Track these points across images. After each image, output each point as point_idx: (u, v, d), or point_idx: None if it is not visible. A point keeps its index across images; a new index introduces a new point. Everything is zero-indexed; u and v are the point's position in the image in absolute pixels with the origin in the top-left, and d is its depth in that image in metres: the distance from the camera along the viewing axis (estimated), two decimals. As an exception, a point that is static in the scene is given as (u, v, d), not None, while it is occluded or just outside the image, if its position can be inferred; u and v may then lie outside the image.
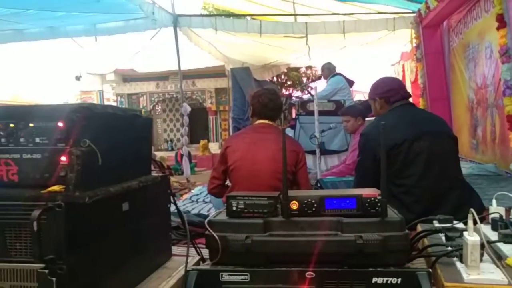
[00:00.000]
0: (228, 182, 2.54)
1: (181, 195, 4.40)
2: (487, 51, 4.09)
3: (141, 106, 13.27)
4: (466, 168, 3.44)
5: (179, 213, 1.49)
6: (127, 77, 13.48)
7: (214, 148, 12.14)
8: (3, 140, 0.98)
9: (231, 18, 6.93)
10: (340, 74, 5.48)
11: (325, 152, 4.23)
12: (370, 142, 2.06)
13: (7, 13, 4.72)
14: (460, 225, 1.33)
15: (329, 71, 5.52)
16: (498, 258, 1.14)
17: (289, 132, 4.56)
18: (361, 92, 11.69)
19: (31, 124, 0.98)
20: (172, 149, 13.24)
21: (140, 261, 1.22)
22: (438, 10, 4.73)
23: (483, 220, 1.46)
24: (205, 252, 1.38)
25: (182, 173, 6.81)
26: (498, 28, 3.29)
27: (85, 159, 0.94)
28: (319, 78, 6.11)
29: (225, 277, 1.14)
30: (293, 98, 5.25)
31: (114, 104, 13.29)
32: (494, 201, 1.47)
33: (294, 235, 1.16)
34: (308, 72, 13.87)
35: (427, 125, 2.09)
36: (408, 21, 5.57)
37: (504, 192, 1.57)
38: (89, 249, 0.97)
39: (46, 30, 5.63)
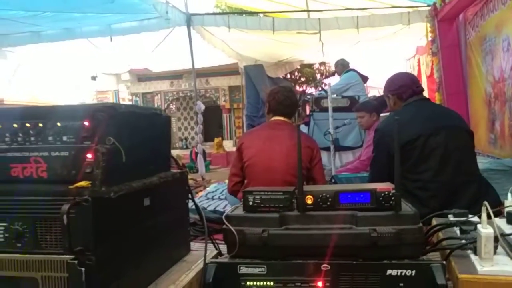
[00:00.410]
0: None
1: (197, 193, 4.43)
2: (505, 44, 4.00)
3: (155, 105, 13.39)
4: (483, 163, 3.39)
5: (197, 208, 1.53)
6: (141, 76, 13.66)
7: (228, 145, 12.21)
8: (32, 138, 1.04)
9: (244, 15, 6.97)
10: (353, 70, 5.46)
11: (339, 148, 4.22)
12: (385, 138, 2.06)
13: (25, 16, 4.84)
14: (475, 219, 1.33)
15: (342, 67, 5.51)
16: (513, 250, 1.14)
17: (303, 129, 4.55)
18: (375, 87, 11.55)
19: (58, 124, 1.02)
20: (187, 147, 13.37)
21: (161, 254, 1.27)
22: (454, 3, 4.64)
23: (499, 214, 1.46)
24: (222, 248, 1.42)
25: (197, 171, 6.90)
26: (515, 20, 3.23)
27: (109, 156, 0.98)
28: (333, 74, 6.10)
29: (243, 270, 1.18)
30: (307, 95, 5.26)
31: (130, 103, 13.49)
32: (509, 194, 1.46)
33: (309, 229, 1.19)
34: (322, 68, 13.77)
35: (443, 120, 2.09)
36: (423, 15, 5.48)
37: (521, 186, 1.55)
38: (114, 241, 1.01)
39: (62, 32, 5.75)
